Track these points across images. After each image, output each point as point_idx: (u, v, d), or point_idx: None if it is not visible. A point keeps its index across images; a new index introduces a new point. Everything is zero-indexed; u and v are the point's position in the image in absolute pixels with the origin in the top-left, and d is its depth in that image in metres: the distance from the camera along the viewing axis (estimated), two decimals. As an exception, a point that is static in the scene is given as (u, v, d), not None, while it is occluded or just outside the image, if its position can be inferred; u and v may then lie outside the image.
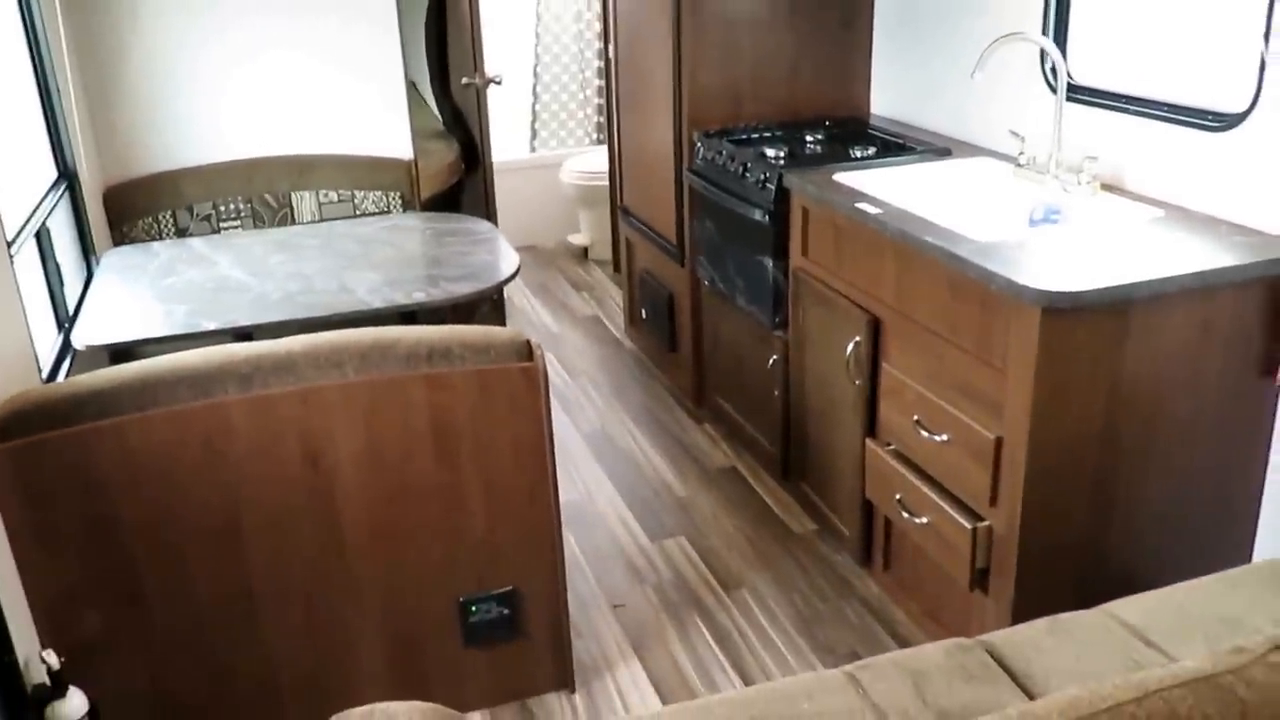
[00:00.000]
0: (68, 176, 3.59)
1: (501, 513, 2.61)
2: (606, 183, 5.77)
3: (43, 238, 3.18)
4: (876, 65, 4.02)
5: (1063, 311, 2.27)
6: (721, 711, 1.72)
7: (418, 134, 4.53)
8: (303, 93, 4.19)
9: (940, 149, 3.45)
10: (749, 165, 3.49)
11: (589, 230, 6.42)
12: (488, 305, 4.87)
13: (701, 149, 3.84)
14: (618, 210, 5.12)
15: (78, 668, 2.15)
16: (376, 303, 3.01)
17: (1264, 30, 2.43)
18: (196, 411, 2.32)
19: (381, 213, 4.29)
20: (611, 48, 4.81)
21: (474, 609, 2.67)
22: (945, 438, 2.64)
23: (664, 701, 2.82)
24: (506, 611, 2.69)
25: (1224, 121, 2.61)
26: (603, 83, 6.54)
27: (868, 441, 2.99)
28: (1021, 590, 2.49)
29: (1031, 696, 1.74)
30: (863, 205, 2.90)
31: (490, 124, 5.21)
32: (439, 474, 2.53)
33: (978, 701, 1.72)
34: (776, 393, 3.59)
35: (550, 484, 2.63)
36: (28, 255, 3.03)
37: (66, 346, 3.08)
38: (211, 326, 2.91)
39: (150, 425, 2.30)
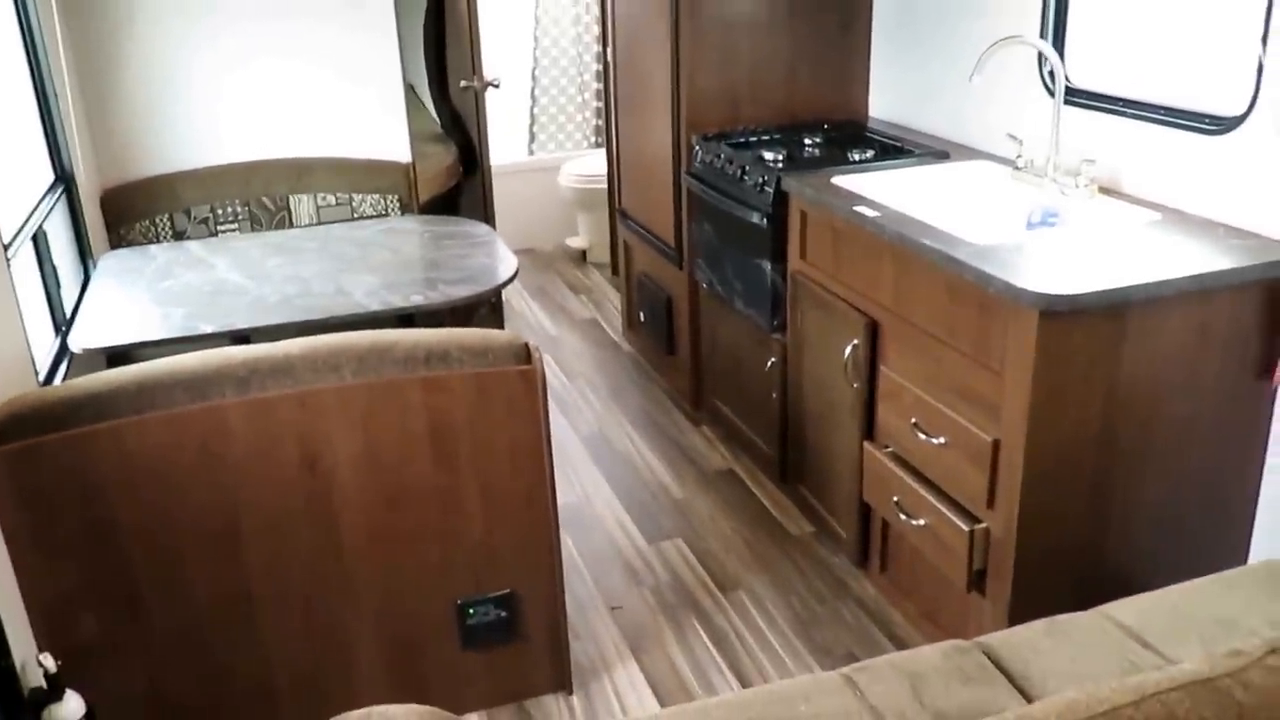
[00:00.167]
0: (65, 179, 3.59)
1: (499, 515, 2.61)
2: (605, 186, 5.77)
3: (40, 241, 3.18)
4: (875, 68, 4.02)
5: (1060, 314, 2.27)
6: (719, 714, 1.72)
7: (416, 137, 4.52)
8: (300, 96, 4.19)
9: (938, 152, 3.45)
10: (747, 168, 3.49)
11: (587, 233, 6.42)
12: (486, 308, 4.87)
13: (700, 152, 3.84)
14: (616, 213, 5.12)
15: (75, 671, 2.15)
16: (374, 306, 3.01)
17: (1261, 34, 2.43)
18: (194, 414, 2.32)
19: (379, 216, 4.29)
20: (610, 51, 4.81)
21: (472, 611, 2.67)
22: (943, 440, 2.64)
23: (661, 703, 2.82)
24: (504, 614, 2.69)
25: (1221, 125, 2.62)
26: (601, 86, 6.55)
27: (865, 444, 2.99)
28: (1018, 592, 2.50)
29: (1028, 698, 1.74)
30: (861, 208, 2.90)
31: (488, 127, 5.21)
32: (437, 477, 2.53)
33: (975, 703, 1.71)
34: (774, 395, 3.59)
35: (548, 486, 2.62)
36: (25, 258, 3.03)
37: (63, 350, 3.08)
38: (209, 330, 2.90)
39: (147, 428, 2.29)
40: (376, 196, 4.29)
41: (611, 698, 2.85)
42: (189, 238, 4.05)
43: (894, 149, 3.54)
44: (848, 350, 3.01)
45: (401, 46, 4.33)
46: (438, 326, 2.69)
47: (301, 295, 3.12)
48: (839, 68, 4.02)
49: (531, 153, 6.92)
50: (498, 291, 3.47)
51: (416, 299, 3.08)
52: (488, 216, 5.21)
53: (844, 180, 3.18)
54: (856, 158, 3.43)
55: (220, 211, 4.13)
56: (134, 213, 4.02)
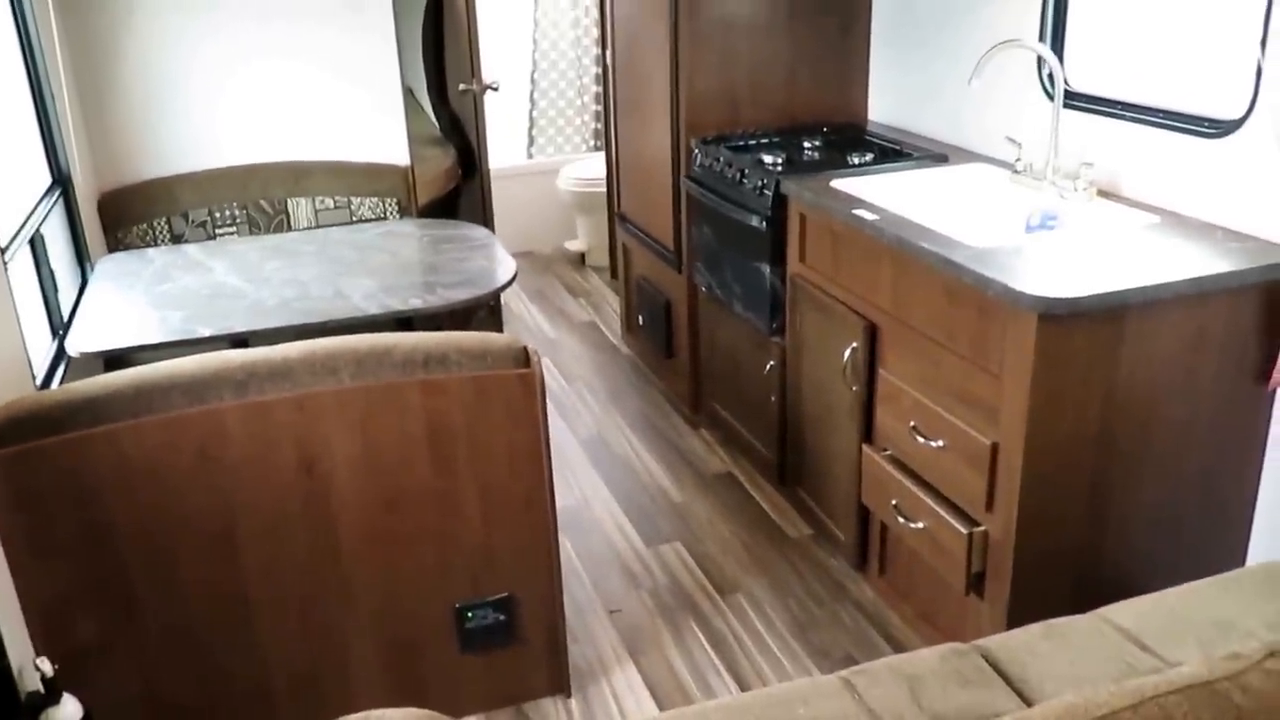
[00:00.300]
0: (62, 182, 3.59)
1: (498, 519, 2.61)
2: (604, 189, 5.77)
3: (37, 244, 3.18)
4: (874, 71, 4.02)
5: (1059, 317, 2.27)
6: (717, 717, 1.72)
7: (414, 140, 4.53)
8: (298, 99, 4.19)
9: (937, 155, 3.45)
10: (746, 172, 3.49)
11: (586, 236, 6.42)
12: (484, 311, 4.87)
13: (699, 155, 3.84)
14: (615, 216, 5.12)
15: (72, 674, 2.14)
16: (373, 309, 3.01)
17: (1260, 37, 2.43)
18: (191, 418, 2.32)
19: (378, 219, 4.29)
20: (609, 54, 4.81)
21: (470, 615, 2.66)
22: (941, 443, 2.64)
23: (660, 706, 2.81)
24: (503, 617, 2.69)
25: (1220, 128, 2.62)
26: (600, 89, 6.55)
27: (864, 447, 2.98)
28: (1017, 595, 2.49)
29: (1026, 701, 1.73)
30: (860, 211, 2.90)
31: (487, 130, 5.22)
32: (435, 480, 2.53)
33: (973, 706, 1.71)
34: (773, 398, 3.59)
35: (547, 490, 2.62)
36: (22, 262, 3.02)
37: (61, 353, 3.08)
38: (207, 333, 2.91)
39: (144, 432, 2.29)
40: (375, 200, 4.30)
41: (610, 701, 2.84)
42: (187, 241, 4.05)
43: (893, 152, 3.54)
44: (847, 353, 3.00)
45: (400, 49, 4.33)
46: (436, 330, 2.68)
47: (300, 298, 3.12)
48: (838, 71, 4.02)
49: (530, 156, 6.92)
50: (496, 295, 3.47)
51: (415, 302, 3.08)
52: (486, 220, 5.21)
53: (843, 183, 3.18)
54: (856, 161, 3.43)
55: (218, 215, 4.13)
56: (131, 216, 4.02)
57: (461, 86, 5.11)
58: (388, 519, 2.52)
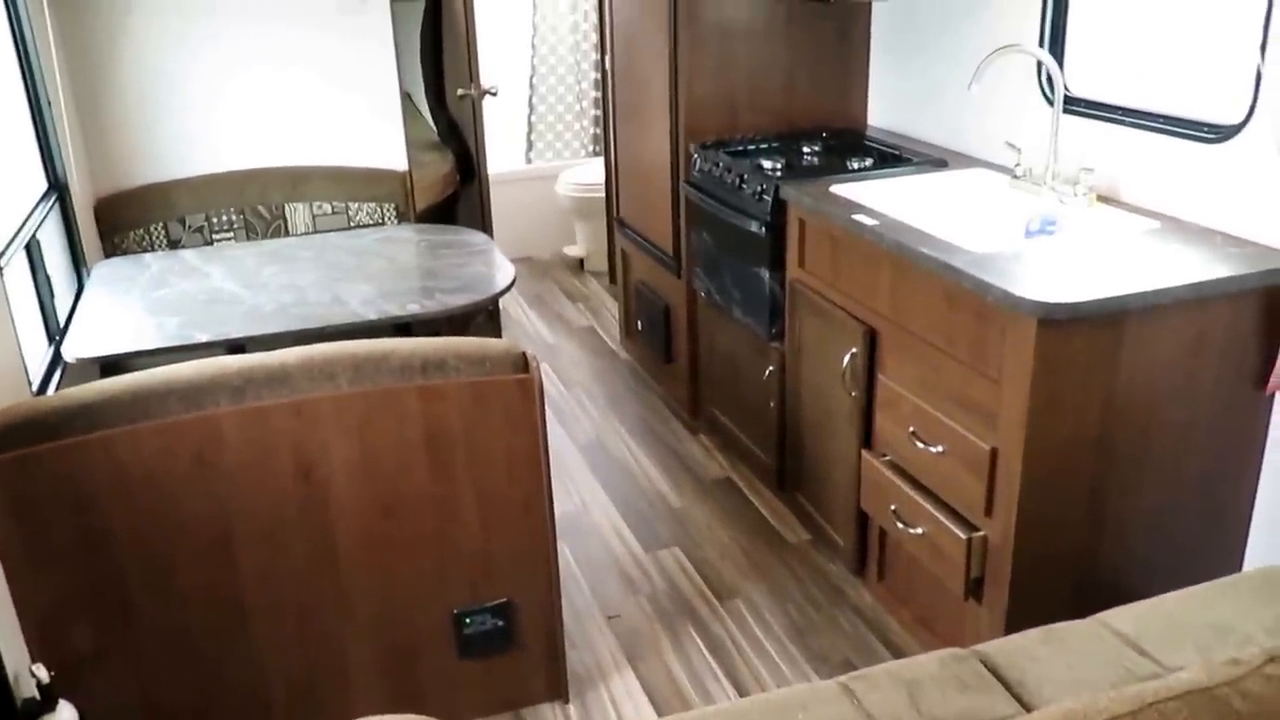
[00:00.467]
0: (58, 188, 3.59)
1: (496, 524, 2.60)
2: (603, 194, 5.77)
3: (33, 249, 3.17)
4: (873, 76, 4.02)
5: (1058, 323, 2.27)
6: (716, 724, 1.72)
7: (412, 145, 4.53)
8: (296, 104, 4.19)
9: (937, 160, 3.45)
10: (746, 177, 3.49)
11: (585, 242, 6.42)
12: (483, 317, 4.86)
13: (698, 160, 3.84)
14: (614, 222, 5.12)
15: (68, 681, 2.14)
16: (370, 314, 3.01)
17: (1260, 42, 2.43)
18: (188, 424, 2.31)
19: (376, 224, 4.28)
20: (608, 59, 4.81)
21: (468, 621, 2.66)
22: (941, 449, 2.64)
23: (658, 712, 2.81)
24: (501, 623, 2.68)
25: (1220, 133, 2.62)
26: (599, 94, 6.55)
27: (864, 453, 2.98)
28: (1015, 599, 2.49)
29: (1025, 706, 1.73)
30: (859, 217, 2.90)
31: (486, 135, 5.21)
32: (433, 486, 2.52)
33: (972, 711, 1.71)
34: (772, 404, 3.58)
35: (545, 495, 2.62)
36: (18, 267, 3.02)
37: (57, 359, 3.07)
38: (204, 339, 2.90)
39: (141, 438, 2.29)
40: (373, 205, 4.29)
41: (608, 707, 2.84)
42: (184, 246, 4.05)
43: (892, 157, 3.54)
44: (846, 359, 3.00)
45: (398, 54, 4.33)
46: (434, 335, 2.68)
47: (297, 304, 3.11)
48: (837, 75, 4.02)
49: (529, 161, 6.92)
50: (495, 300, 3.47)
51: (413, 308, 3.07)
52: (485, 225, 5.21)
53: (842, 189, 3.18)
54: (855, 166, 3.43)
55: (215, 220, 4.12)
56: (128, 221, 4.02)
57: (460, 91, 5.11)
58: (386, 525, 2.51)
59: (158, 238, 4.05)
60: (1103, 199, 2.91)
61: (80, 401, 2.28)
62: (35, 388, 2.82)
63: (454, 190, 5.26)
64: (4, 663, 1.99)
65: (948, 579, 2.65)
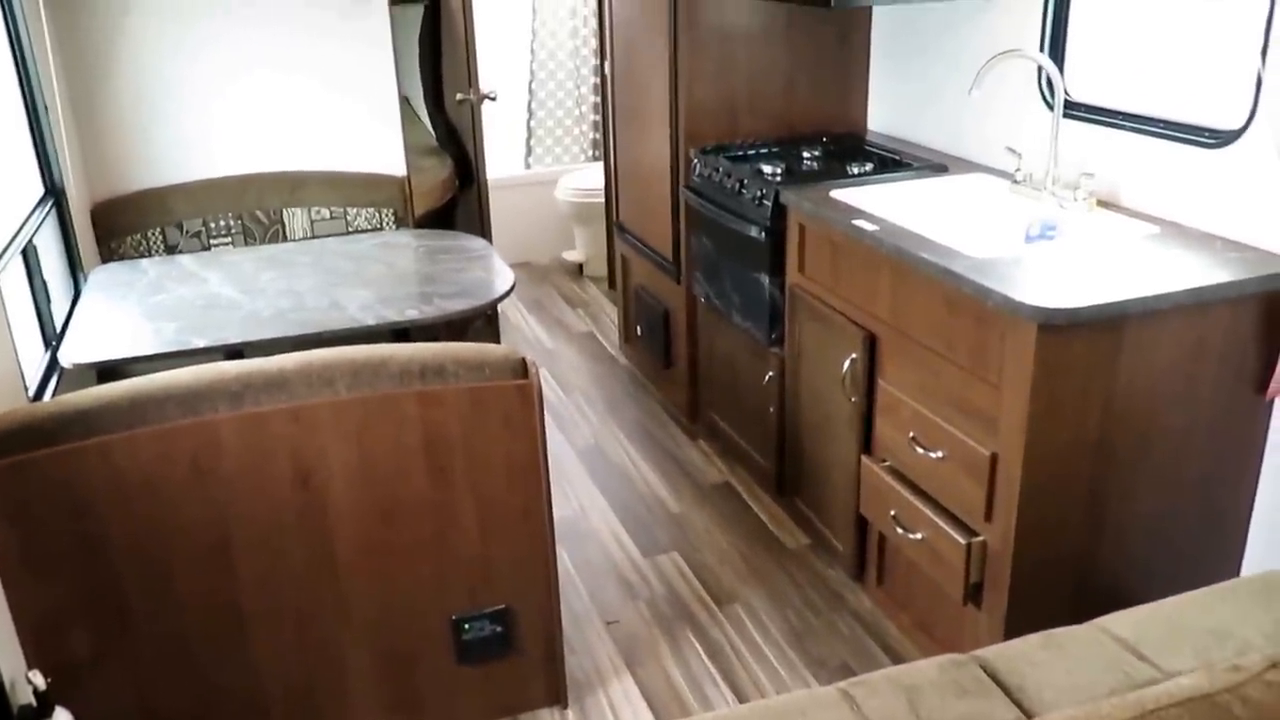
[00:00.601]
0: (55, 193, 3.58)
1: (495, 530, 2.60)
2: (602, 199, 5.77)
3: (29, 255, 3.16)
4: (873, 81, 4.02)
5: (1059, 328, 2.26)
6: (715, 731, 1.71)
7: (411, 150, 4.52)
8: (294, 108, 4.18)
9: (937, 165, 3.45)
10: (746, 182, 3.48)
11: (584, 247, 6.42)
12: (481, 322, 4.85)
13: (698, 165, 3.84)
14: (613, 227, 5.12)
15: (65, 688, 2.12)
16: (369, 320, 3.00)
17: (1260, 47, 2.43)
18: (186, 430, 2.31)
19: (374, 230, 4.28)
20: (608, 63, 4.81)
21: (467, 627, 2.65)
22: (941, 454, 2.63)
23: (657, 717, 2.80)
24: (500, 629, 2.67)
25: (1220, 138, 2.61)
26: (598, 99, 6.56)
27: (863, 458, 2.97)
28: (1015, 605, 2.49)
29: (1025, 711, 1.73)
30: (859, 222, 2.89)
31: (485, 140, 5.21)
32: (432, 491, 2.51)
33: (971, 717, 1.71)
34: (772, 409, 3.58)
35: (544, 501, 2.61)
36: (14, 272, 3.02)
37: (53, 365, 3.07)
38: (201, 344, 2.89)
39: (138, 444, 2.28)
40: (371, 210, 4.29)
41: (607, 712, 2.83)
42: (181, 251, 4.04)
43: (892, 162, 3.54)
44: (846, 364, 3.00)
45: (397, 58, 4.32)
46: (433, 341, 2.67)
47: (295, 309, 3.11)
48: (837, 80, 4.01)
49: (528, 166, 6.91)
50: (494, 305, 3.46)
51: (411, 313, 3.06)
52: (484, 230, 5.21)
53: (842, 194, 3.17)
54: (855, 171, 3.43)
55: (213, 225, 4.12)
56: (125, 226, 4.01)
57: (459, 96, 5.11)
58: (384, 531, 2.51)
59: (155, 243, 4.05)
60: (1103, 204, 2.91)
61: (77, 407, 2.27)
62: (32, 393, 2.82)
63: (453, 195, 5.26)
64: (0, 669, 1.99)
65: (947, 584, 2.65)
